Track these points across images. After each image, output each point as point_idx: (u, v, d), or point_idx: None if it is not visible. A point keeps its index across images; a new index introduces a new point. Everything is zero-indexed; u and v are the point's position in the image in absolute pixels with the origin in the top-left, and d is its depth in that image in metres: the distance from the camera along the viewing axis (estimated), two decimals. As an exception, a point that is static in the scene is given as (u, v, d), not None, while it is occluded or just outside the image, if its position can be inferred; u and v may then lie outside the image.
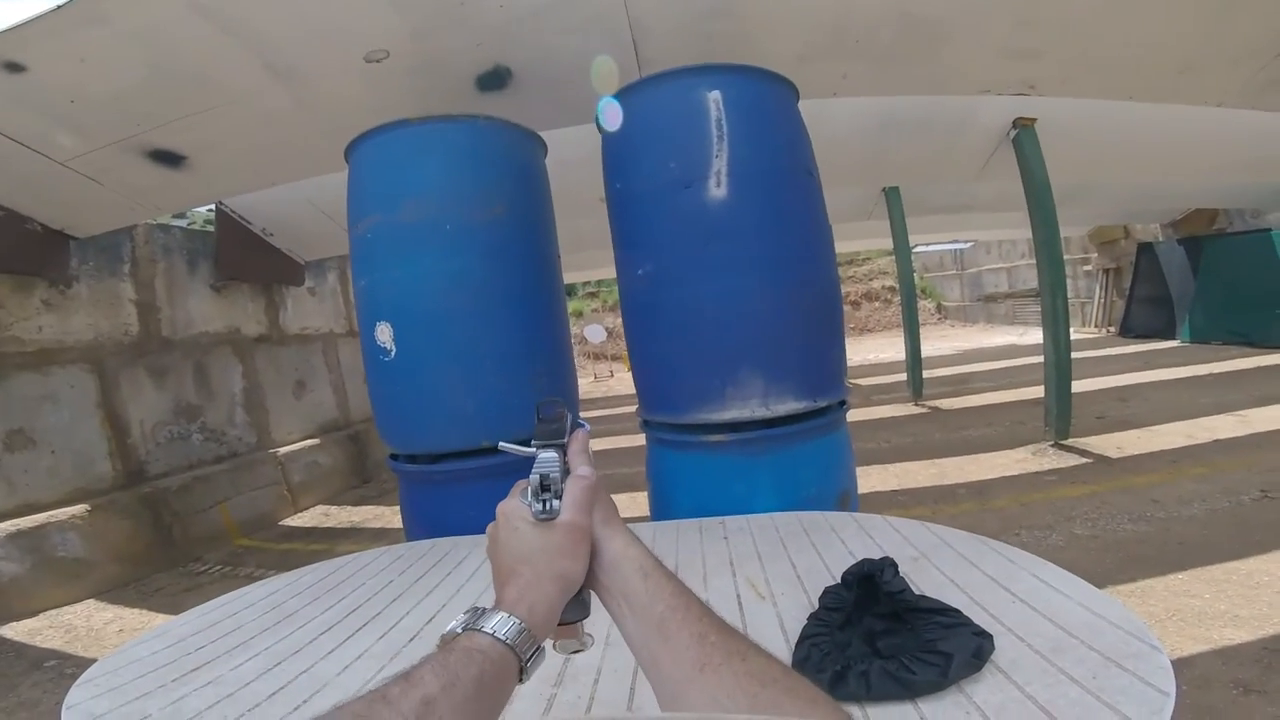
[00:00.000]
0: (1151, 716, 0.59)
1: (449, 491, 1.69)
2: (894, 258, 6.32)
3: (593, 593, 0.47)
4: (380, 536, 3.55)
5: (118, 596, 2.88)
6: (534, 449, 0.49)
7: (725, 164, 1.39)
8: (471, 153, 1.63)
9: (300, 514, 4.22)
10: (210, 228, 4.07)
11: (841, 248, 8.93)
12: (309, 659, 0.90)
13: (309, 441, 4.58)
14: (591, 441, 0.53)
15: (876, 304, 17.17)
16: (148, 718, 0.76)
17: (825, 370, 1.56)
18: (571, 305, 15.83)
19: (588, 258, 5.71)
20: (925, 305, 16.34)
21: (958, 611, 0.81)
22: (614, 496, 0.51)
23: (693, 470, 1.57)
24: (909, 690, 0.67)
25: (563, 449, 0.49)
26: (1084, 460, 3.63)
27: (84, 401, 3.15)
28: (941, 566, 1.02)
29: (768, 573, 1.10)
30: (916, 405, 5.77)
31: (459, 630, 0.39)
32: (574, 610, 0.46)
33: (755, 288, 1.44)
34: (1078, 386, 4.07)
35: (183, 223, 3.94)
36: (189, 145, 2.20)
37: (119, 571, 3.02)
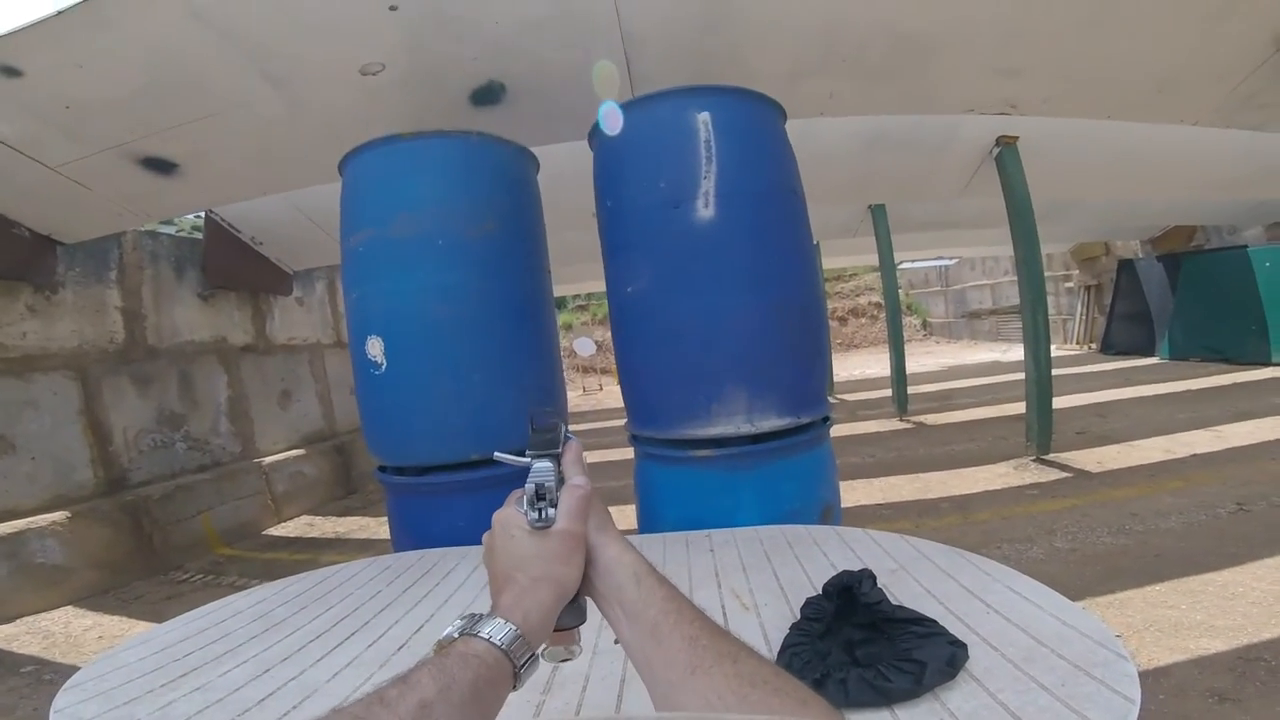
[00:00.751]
0: None
1: (437, 503, 1.70)
2: (880, 274, 6.42)
3: (589, 600, 0.48)
4: (365, 547, 3.52)
5: (97, 604, 2.84)
6: (529, 459, 0.50)
7: (713, 184, 1.43)
8: (465, 168, 1.65)
9: (284, 524, 4.17)
10: (198, 234, 4.05)
11: (828, 264, 9.06)
12: (297, 666, 0.91)
13: (294, 452, 4.54)
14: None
15: (863, 320, 17.37)
16: None
17: (808, 387, 1.59)
18: (561, 318, 15.86)
19: (578, 271, 5.74)
20: (910, 321, 16.55)
21: (933, 622, 0.83)
22: (602, 508, 0.53)
23: (679, 484, 1.60)
24: (885, 697, 0.69)
25: (557, 458, 0.50)
26: (1064, 475, 3.69)
27: (66, 408, 3.11)
28: (919, 578, 1.05)
29: (752, 584, 1.12)
30: (901, 420, 5.83)
31: (455, 635, 0.40)
32: (570, 617, 0.47)
33: (740, 306, 1.48)
34: (1059, 403, 4.14)
35: (171, 230, 3.91)
36: (181, 153, 2.21)
37: (98, 578, 2.98)
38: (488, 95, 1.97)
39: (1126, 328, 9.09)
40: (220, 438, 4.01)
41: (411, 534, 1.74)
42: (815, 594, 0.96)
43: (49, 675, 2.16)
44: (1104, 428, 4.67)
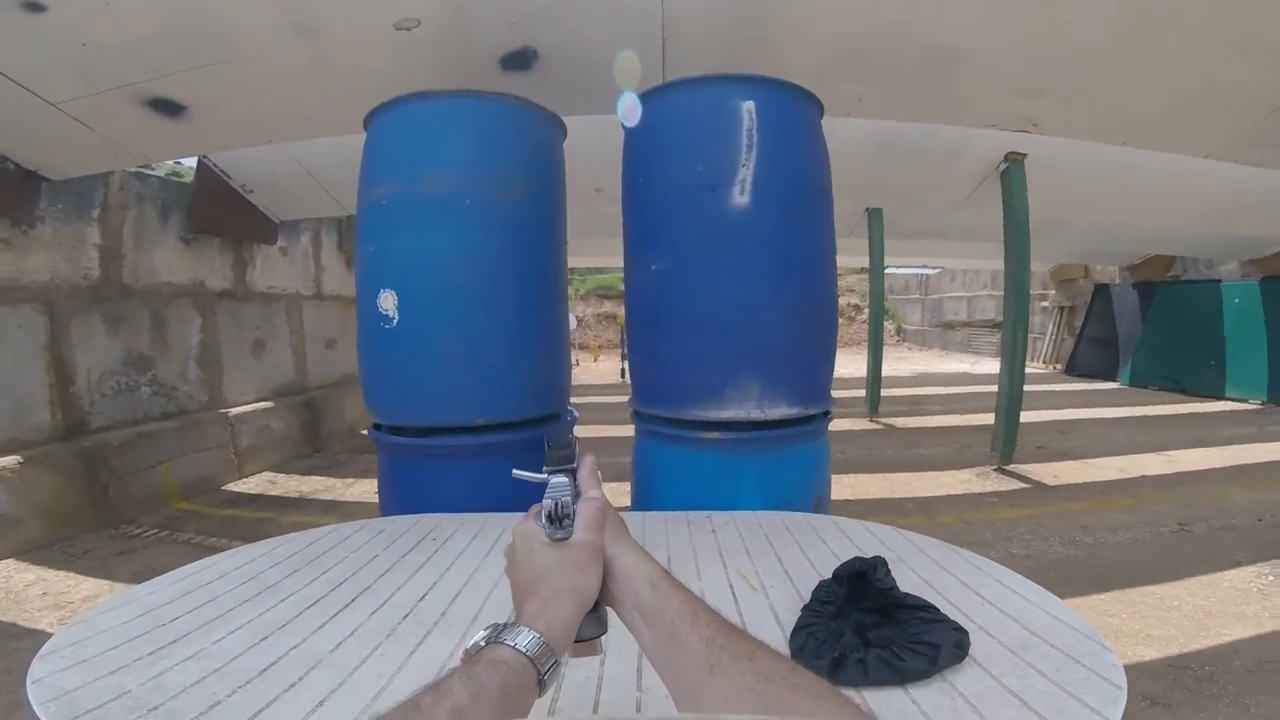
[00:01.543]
0: (1108, 705, 0.68)
1: (435, 467, 1.68)
2: (863, 276, 6.52)
3: (609, 610, 0.50)
4: (330, 509, 3.46)
5: (41, 557, 2.69)
6: (546, 475, 0.52)
7: (751, 173, 1.44)
8: (499, 131, 1.62)
9: (245, 479, 4.06)
10: (182, 179, 3.88)
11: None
12: (297, 634, 0.87)
13: (262, 404, 4.43)
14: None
15: (840, 320, 17.68)
16: (126, 693, 0.71)
17: (817, 380, 1.64)
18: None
19: (571, 245, 5.67)
20: (887, 327, 16.86)
21: (936, 609, 0.89)
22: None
23: (683, 464, 1.62)
24: (901, 677, 0.74)
25: (573, 473, 0.53)
26: (1023, 485, 3.87)
27: (30, 344, 2.96)
28: (916, 569, 1.11)
29: (757, 566, 1.15)
30: (872, 421, 6.00)
31: (482, 644, 0.41)
32: (591, 627, 0.48)
33: (764, 295, 1.50)
34: (1023, 417, 4.32)
35: (160, 172, 3.74)
36: (192, 96, 2.13)
37: (45, 530, 2.83)
38: (519, 60, 1.93)
39: (1093, 351, 9.37)
40: (188, 384, 3.88)
41: (404, 497, 1.71)
42: (820, 578, 1.01)
43: (-11, 632, 2.05)
44: (1063, 444, 4.90)
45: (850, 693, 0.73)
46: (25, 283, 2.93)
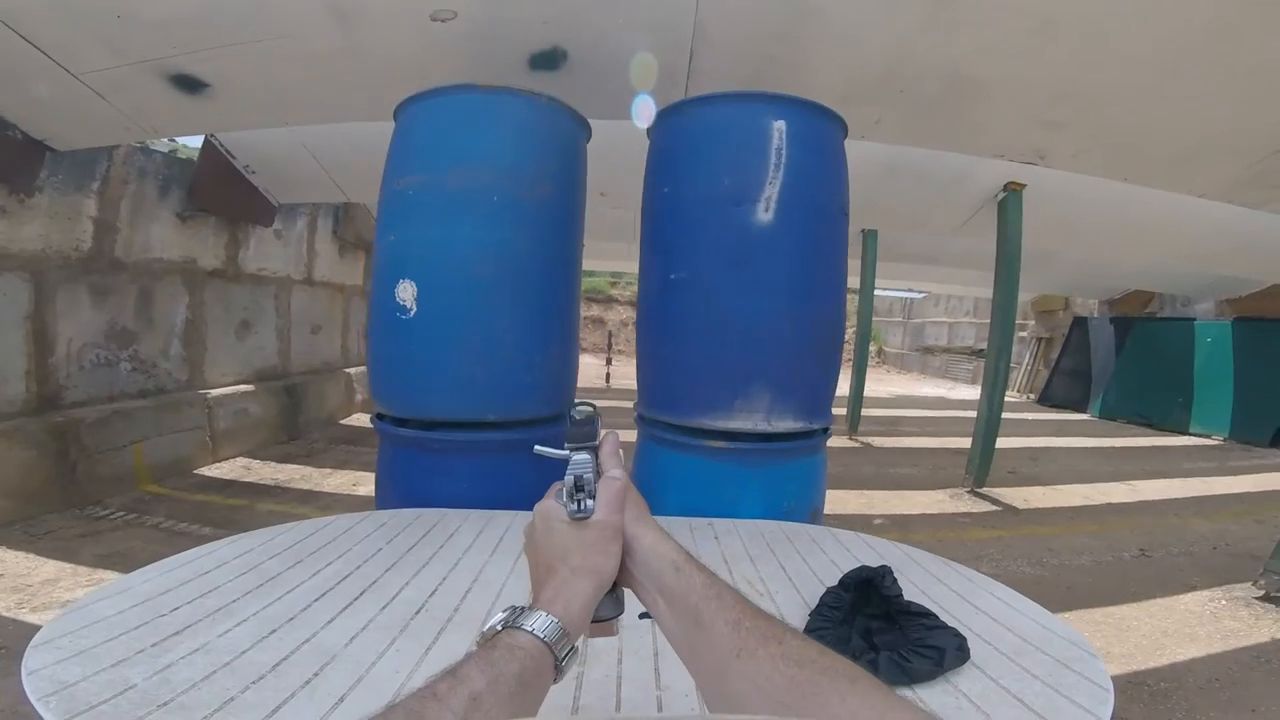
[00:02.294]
0: (1098, 705, 0.75)
1: (440, 462, 1.67)
2: (852, 295, 6.63)
3: (627, 590, 0.49)
4: (307, 499, 3.40)
5: (1, 536, 2.59)
6: (568, 452, 0.51)
7: (777, 190, 1.49)
8: (531, 128, 1.64)
9: (219, 464, 3.96)
10: (181, 155, 3.83)
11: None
12: (307, 628, 0.85)
13: (243, 387, 4.35)
14: None
15: (826, 336, 17.88)
16: (132, 687, 0.68)
17: (822, 396, 1.70)
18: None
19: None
20: (869, 348, 17.17)
21: (936, 616, 0.94)
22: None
23: (687, 471, 1.66)
24: (910, 678, 0.80)
25: (594, 450, 0.51)
26: (994, 508, 4.00)
27: (13, 312, 2.87)
28: (913, 580, 1.16)
29: (761, 573, 1.19)
30: (851, 439, 6.11)
31: (499, 628, 0.41)
32: (609, 607, 0.48)
33: (781, 311, 1.55)
34: (997, 443, 4.47)
35: (165, 148, 3.69)
36: (216, 74, 2.11)
37: (7, 508, 2.70)
38: (549, 60, 1.96)
39: (1067, 382, 9.61)
40: (169, 362, 3.80)
41: (405, 490, 1.69)
42: (822, 586, 1.06)
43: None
44: (1033, 470, 5.06)
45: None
46: (15, 251, 2.85)
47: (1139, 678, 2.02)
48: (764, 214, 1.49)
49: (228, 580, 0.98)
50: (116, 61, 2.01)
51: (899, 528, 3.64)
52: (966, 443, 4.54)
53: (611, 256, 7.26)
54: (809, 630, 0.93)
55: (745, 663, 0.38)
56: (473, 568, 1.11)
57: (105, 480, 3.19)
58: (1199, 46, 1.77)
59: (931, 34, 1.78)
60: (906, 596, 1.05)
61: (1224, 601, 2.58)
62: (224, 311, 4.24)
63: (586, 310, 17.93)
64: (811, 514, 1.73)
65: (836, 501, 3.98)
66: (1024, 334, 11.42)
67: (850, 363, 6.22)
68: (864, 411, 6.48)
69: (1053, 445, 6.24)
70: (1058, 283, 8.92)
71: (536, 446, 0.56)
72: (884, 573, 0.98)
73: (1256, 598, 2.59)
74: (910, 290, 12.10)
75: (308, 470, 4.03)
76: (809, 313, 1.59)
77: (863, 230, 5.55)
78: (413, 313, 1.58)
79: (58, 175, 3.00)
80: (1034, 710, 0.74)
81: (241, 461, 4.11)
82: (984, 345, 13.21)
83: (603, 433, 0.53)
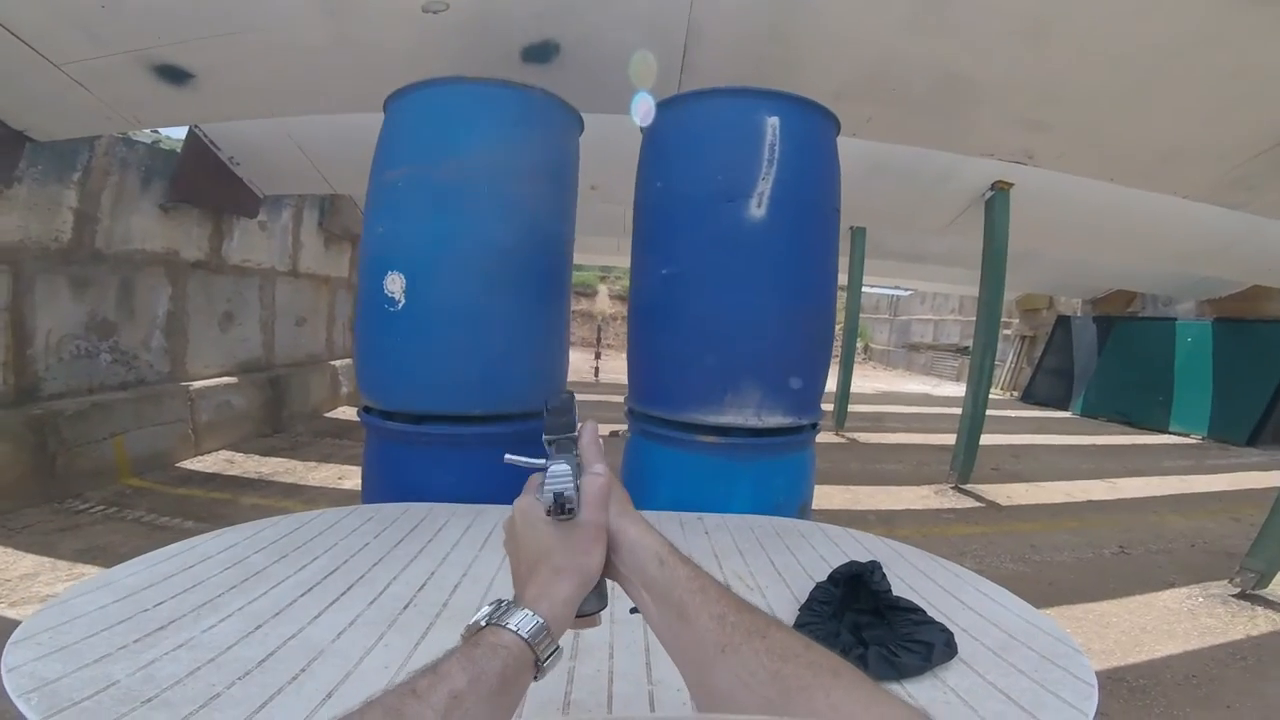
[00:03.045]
0: (1083, 701, 0.76)
1: (426, 455, 1.65)
2: (842, 293, 6.65)
3: (611, 582, 0.48)
4: (291, 493, 3.37)
5: None
6: (544, 461, 0.48)
7: (769, 187, 1.49)
8: (523, 121, 1.63)
9: (201, 457, 3.91)
10: (164, 146, 3.76)
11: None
12: (293, 623, 0.84)
13: (225, 379, 4.30)
14: None
15: (814, 333, 18.03)
16: (115, 684, 0.66)
17: (812, 392, 1.70)
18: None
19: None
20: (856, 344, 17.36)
21: (924, 612, 0.95)
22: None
23: (677, 465, 1.66)
24: (898, 672, 0.80)
25: (573, 442, 0.50)
26: (978, 504, 4.06)
27: (-10, 303, 2.82)
28: (901, 576, 1.17)
29: (751, 568, 1.19)
30: (837, 435, 6.17)
31: (483, 624, 0.41)
32: (593, 601, 0.47)
33: (772, 307, 1.56)
34: (980, 440, 4.54)
35: (148, 139, 3.63)
36: (202, 65, 2.07)
37: None
38: (540, 53, 1.94)
39: (1049, 380, 9.76)
40: (150, 353, 3.74)
41: (390, 484, 1.68)
42: (812, 581, 1.07)
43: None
44: (1016, 467, 5.14)
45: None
46: (-8, 242, 2.80)
47: (1118, 674, 2.06)
48: (757, 210, 1.49)
49: (212, 575, 0.96)
50: (99, 51, 1.96)
51: (884, 523, 3.68)
52: (950, 439, 4.60)
53: (601, 251, 7.23)
54: (798, 625, 0.93)
55: (730, 657, 0.38)
56: (461, 562, 1.10)
57: (85, 473, 3.13)
58: (1186, 50, 1.79)
59: (922, 33, 1.79)
60: (895, 592, 1.06)
61: (1201, 599, 2.64)
62: (207, 303, 4.19)
63: (575, 304, 17.87)
64: (800, 509, 1.74)
65: (823, 497, 4.00)
66: (1008, 332, 11.56)
67: (838, 359, 6.25)
68: (850, 407, 6.54)
69: (1035, 442, 6.35)
70: (1042, 282, 9.01)
71: (507, 456, 0.52)
72: (873, 568, 0.99)
73: (1233, 595, 2.65)
74: (897, 288, 12.20)
75: (292, 464, 3.99)
76: (799, 308, 1.60)
77: (851, 227, 5.59)
78: (401, 305, 1.56)
79: (37, 166, 2.95)
80: (1020, 705, 0.74)
81: (224, 455, 4.06)
82: (968, 343, 13.38)
83: (581, 422, 0.52)
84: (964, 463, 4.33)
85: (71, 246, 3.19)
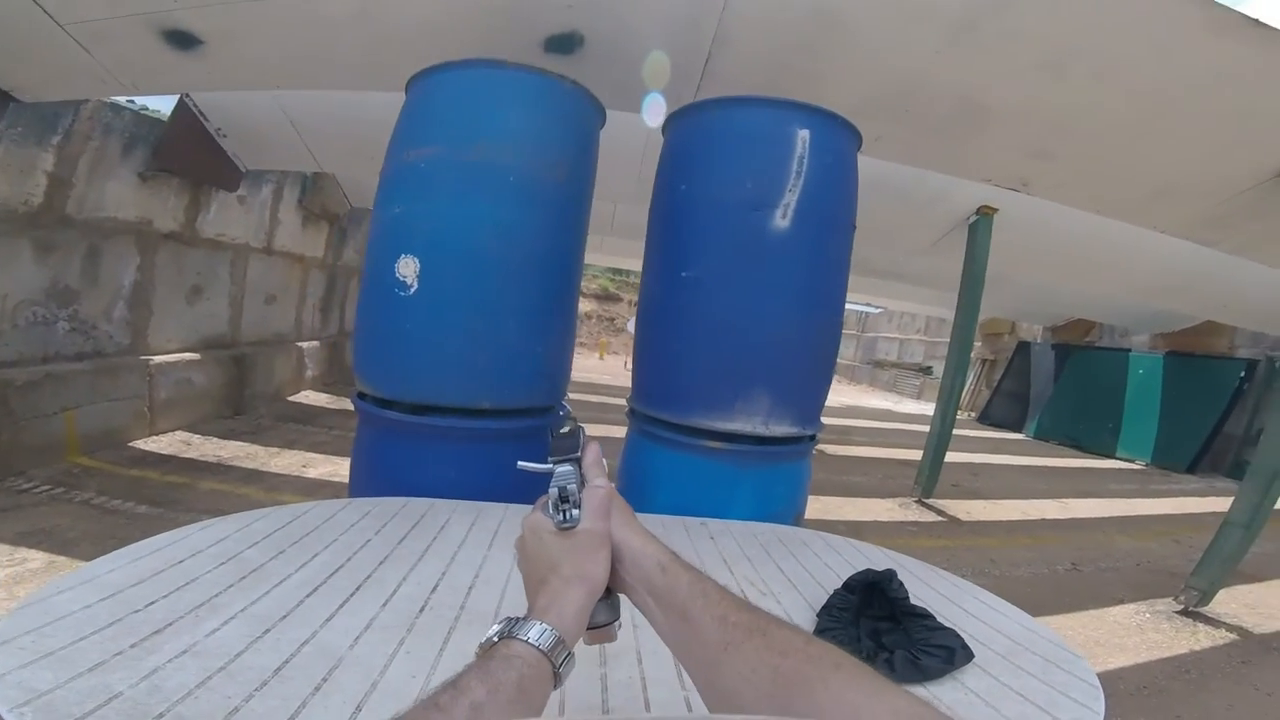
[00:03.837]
0: (1093, 701, 0.81)
1: (426, 448, 1.60)
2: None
3: (622, 596, 0.50)
4: (252, 479, 3.23)
5: None
6: (551, 465, 0.52)
7: (795, 199, 1.52)
8: (553, 110, 1.61)
9: (156, 437, 3.72)
10: (150, 114, 3.60)
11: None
12: (304, 626, 0.79)
13: (188, 355, 4.11)
14: None
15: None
16: (118, 696, 0.60)
17: (816, 403, 1.74)
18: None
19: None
20: (824, 356, 17.65)
21: (936, 618, 0.99)
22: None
23: (681, 469, 1.66)
24: (924, 675, 0.83)
25: (578, 462, 0.53)
26: (940, 519, 4.21)
27: (-55, 262, 2.63)
28: (903, 584, 1.21)
29: (761, 574, 1.21)
30: (805, 446, 6.29)
31: (495, 639, 0.42)
32: (605, 613, 0.50)
33: (788, 317, 1.58)
34: (942, 457, 4.70)
35: (135, 105, 3.45)
36: (213, 30, 1.98)
37: None
38: (564, 44, 1.92)
39: (1006, 403, 10.15)
40: (111, 324, 3.54)
41: (384, 476, 1.62)
42: (821, 588, 1.10)
43: None
44: (974, 485, 5.34)
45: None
46: (-46, 202, 2.61)
47: (1070, 684, 2.17)
48: (781, 221, 1.51)
49: (205, 571, 0.89)
50: (110, 12, 1.85)
51: (853, 534, 3.72)
52: (913, 454, 4.75)
53: (597, 249, 7.16)
54: (819, 630, 0.96)
55: (733, 655, 0.39)
56: (472, 562, 1.08)
57: (31, 449, 2.93)
58: (1195, 89, 1.86)
59: (949, 58, 1.83)
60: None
61: (1148, 615, 2.81)
62: (176, 275, 4.00)
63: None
64: (796, 518, 1.77)
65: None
66: (970, 355, 11.94)
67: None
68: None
69: (991, 462, 6.62)
70: (1006, 307, 9.25)
71: (520, 463, 0.56)
72: (890, 576, 1.02)
73: (1177, 612, 2.84)
74: (868, 305, 12.54)
75: (253, 448, 3.82)
76: (813, 319, 1.63)
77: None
78: (413, 290, 1.51)
79: (16, 128, 2.79)
80: (1038, 705, 0.79)
81: (181, 436, 3.86)
82: (931, 363, 13.73)
83: (585, 443, 0.55)
84: (929, 478, 4.47)
85: (40, 211, 3.01)
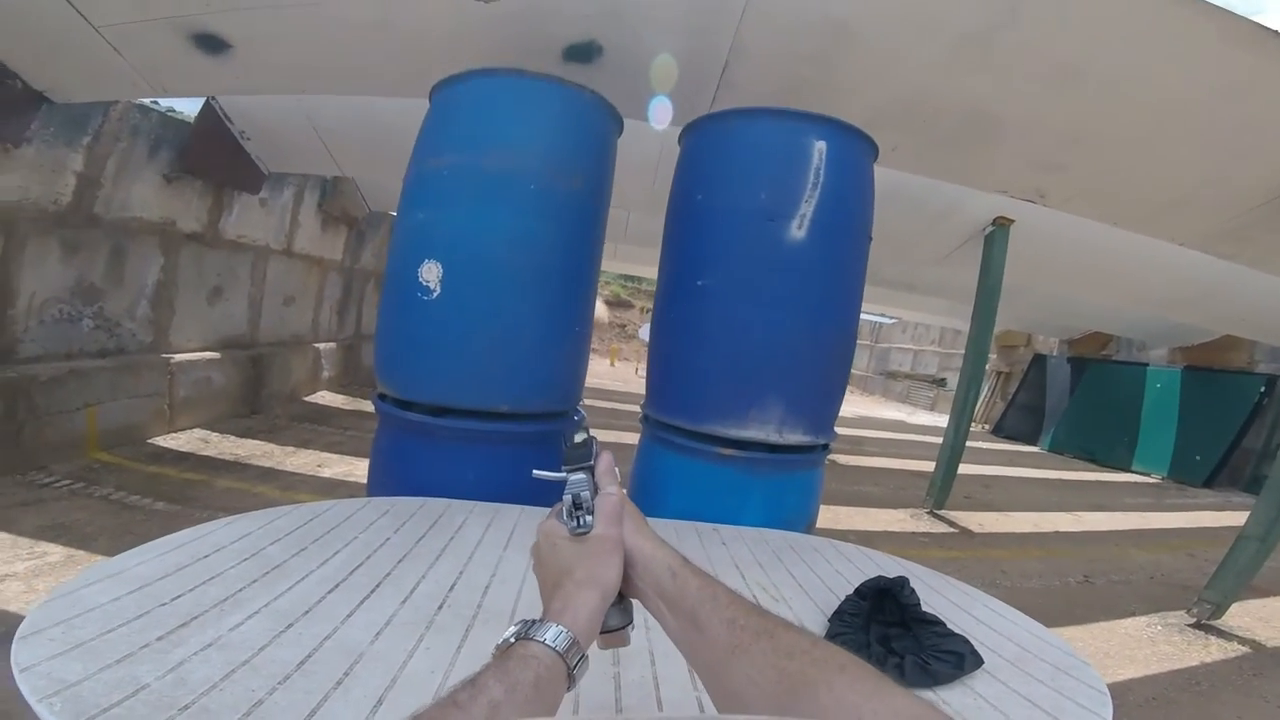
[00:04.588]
0: (1101, 707, 0.82)
1: (444, 449, 1.63)
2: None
3: (635, 601, 0.52)
4: (268, 477, 3.29)
5: None
6: (565, 473, 0.54)
7: (812, 209, 1.54)
8: (574, 119, 1.64)
9: (175, 434, 3.80)
10: (177, 116, 3.70)
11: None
12: (326, 622, 0.81)
13: (208, 354, 4.20)
14: None
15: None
16: (145, 688, 0.61)
17: (829, 412, 1.76)
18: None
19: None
20: (836, 366, 17.51)
21: (945, 625, 1.00)
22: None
23: (693, 475, 1.68)
24: (933, 679, 0.85)
25: (590, 470, 0.55)
26: (951, 530, 4.18)
27: (-21, 261, 2.72)
28: (914, 591, 1.22)
29: (773, 580, 1.22)
30: (818, 456, 6.26)
31: (512, 640, 0.43)
32: (618, 618, 0.51)
33: (803, 327, 1.60)
34: (953, 469, 4.66)
35: (162, 107, 3.56)
36: (241, 35, 2.05)
37: None
38: (583, 53, 1.96)
39: (1021, 416, 10.03)
40: (134, 322, 3.63)
41: (402, 476, 1.65)
42: (832, 595, 1.11)
43: None
44: (987, 496, 5.29)
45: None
46: (-14, 201, 2.71)
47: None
48: (797, 231, 1.53)
49: (228, 566, 0.92)
50: (141, 15, 1.92)
51: (864, 543, 3.71)
52: (925, 465, 4.72)
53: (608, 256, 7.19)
54: (830, 635, 0.97)
55: (740, 658, 0.40)
56: (488, 562, 1.10)
57: (53, 445, 3.00)
58: (1207, 101, 1.86)
59: (962, 70, 1.85)
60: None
61: (1160, 627, 2.78)
62: (197, 275, 4.11)
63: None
64: (807, 526, 1.78)
65: (804, 514, 4.08)
66: (985, 367, 11.77)
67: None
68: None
69: (1004, 474, 6.56)
70: (1022, 318, 9.13)
71: (535, 471, 0.58)
72: (902, 583, 1.04)
73: (1189, 624, 2.81)
74: (882, 315, 12.45)
75: (269, 447, 3.89)
76: (828, 330, 1.65)
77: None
78: (436, 294, 1.55)
79: (49, 128, 2.89)
80: (1045, 710, 0.80)
81: (199, 433, 3.94)
82: (945, 375, 13.55)
83: (598, 452, 0.56)
84: (941, 489, 4.44)
85: (69, 210, 3.11)
